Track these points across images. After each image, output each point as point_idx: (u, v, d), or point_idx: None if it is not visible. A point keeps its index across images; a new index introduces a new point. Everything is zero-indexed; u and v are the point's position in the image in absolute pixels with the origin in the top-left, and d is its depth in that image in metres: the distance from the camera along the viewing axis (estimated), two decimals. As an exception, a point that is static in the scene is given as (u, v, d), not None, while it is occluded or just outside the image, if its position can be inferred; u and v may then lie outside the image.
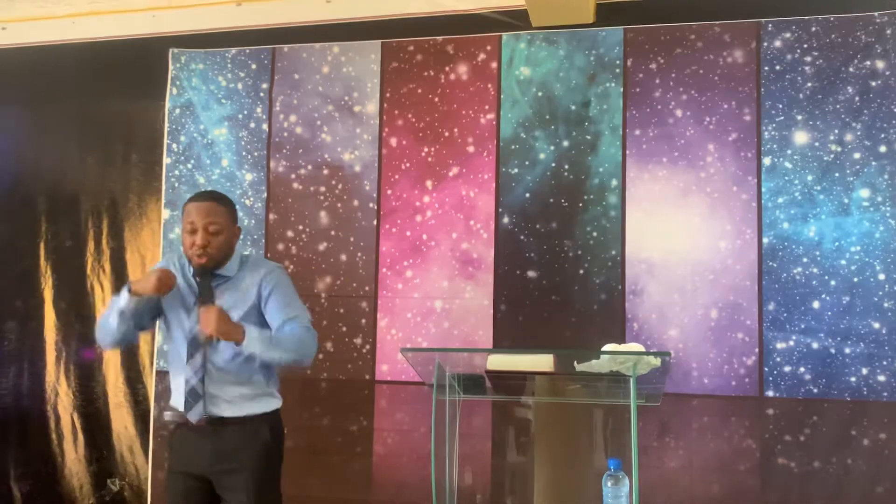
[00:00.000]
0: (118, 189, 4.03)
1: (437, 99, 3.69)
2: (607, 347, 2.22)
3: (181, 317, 2.50)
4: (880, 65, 3.28)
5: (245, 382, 2.45)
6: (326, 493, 3.56)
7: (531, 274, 3.53)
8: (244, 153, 3.86)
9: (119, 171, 4.04)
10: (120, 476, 3.94)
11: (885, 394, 3.17)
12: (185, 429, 2.50)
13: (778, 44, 3.38)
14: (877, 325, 3.20)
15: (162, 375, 3.79)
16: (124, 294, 2.41)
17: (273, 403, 2.52)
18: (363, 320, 3.67)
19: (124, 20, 4.03)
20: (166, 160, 3.92)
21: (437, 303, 3.60)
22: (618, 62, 3.53)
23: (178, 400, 2.51)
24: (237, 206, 2.65)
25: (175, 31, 3.96)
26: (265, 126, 3.85)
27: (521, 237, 3.55)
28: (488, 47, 3.66)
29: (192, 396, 2.44)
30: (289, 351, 2.40)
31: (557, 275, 3.49)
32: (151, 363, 3.86)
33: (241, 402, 2.45)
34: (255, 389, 2.47)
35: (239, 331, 2.34)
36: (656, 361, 2.14)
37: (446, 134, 3.66)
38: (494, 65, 3.65)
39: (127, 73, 4.02)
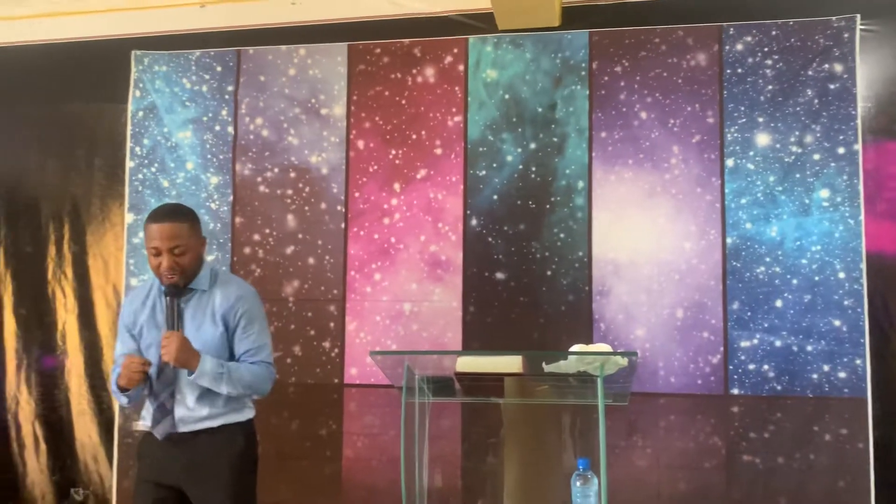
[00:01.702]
0: (80, 193, 3.97)
1: (404, 101, 3.68)
2: (575, 348, 2.23)
3: (155, 334, 2.46)
4: (838, 68, 3.35)
5: (218, 399, 2.42)
6: (296, 498, 3.53)
7: (499, 275, 3.54)
8: (209, 156, 3.81)
9: (81, 175, 3.97)
10: (84, 485, 3.87)
11: (846, 390, 3.24)
12: (155, 437, 2.46)
13: (739, 47, 3.44)
14: (837, 323, 3.27)
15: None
16: (118, 394, 2.46)
17: (246, 413, 2.49)
18: (331, 324, 3.65)
19: (85, 21, 3.96)
20: (129, 164, 3.86)
21: (405, 305, 3.59)
22: (583, 65, 3.56)
23: (147, 414, 2.48)
24: (202, 211, 2.62)
25: (137, 32, 3.90)
26: (230, 129, 3.81)
27: (490, 239, 3.56)
28: (455, 50, 3.66)
29: (161, 412, 2.41)
30: (240, 386, 2.39)
31: (525, 276, 3.51)
32: (116, 370, 3.80)
33: (213, 418, 2.43)
34: (228, 405, 2.45)
35: (195, 362, 2.34)
36: (623, 361, 2.16)
37: (414, 136, 3.66)
38: (461, 67, 3.65)
39: (88, 76, 3.96)
